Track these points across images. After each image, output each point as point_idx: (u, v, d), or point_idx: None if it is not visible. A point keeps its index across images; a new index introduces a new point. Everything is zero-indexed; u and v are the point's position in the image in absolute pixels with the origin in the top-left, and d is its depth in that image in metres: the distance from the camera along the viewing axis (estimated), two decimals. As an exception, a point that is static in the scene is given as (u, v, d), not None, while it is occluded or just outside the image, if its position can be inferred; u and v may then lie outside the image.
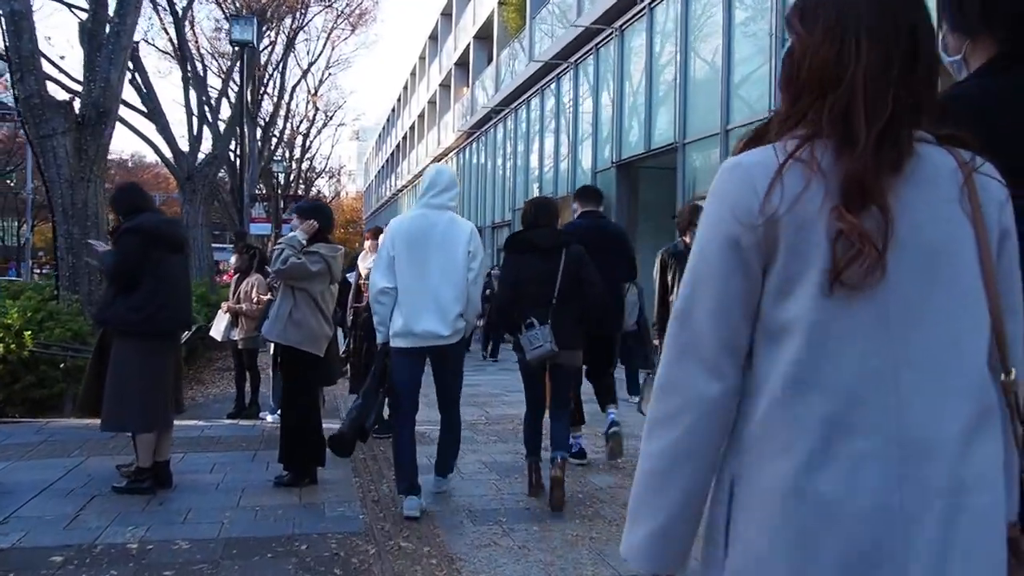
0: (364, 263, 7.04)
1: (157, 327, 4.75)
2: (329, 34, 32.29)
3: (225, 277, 37.00)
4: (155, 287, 4.71)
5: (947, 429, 1.09)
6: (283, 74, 29.36)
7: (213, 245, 23.52)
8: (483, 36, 27.73)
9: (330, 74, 46.12)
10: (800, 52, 1.19)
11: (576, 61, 17.55)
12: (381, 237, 6.78)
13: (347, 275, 7.14)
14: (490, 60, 26.23)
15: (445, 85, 34.47)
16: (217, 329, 7.74)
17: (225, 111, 22.41)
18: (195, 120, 19.04)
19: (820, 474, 1.09)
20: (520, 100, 21.88)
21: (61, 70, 15.62)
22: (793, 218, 1.11)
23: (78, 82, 11.10)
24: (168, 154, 18.26)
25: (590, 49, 16.72)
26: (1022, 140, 1.34)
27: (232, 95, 25.72)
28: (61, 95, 9.63)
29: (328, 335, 5.07)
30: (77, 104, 9.15)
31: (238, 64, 19.99)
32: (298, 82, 33.55)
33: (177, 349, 5.10)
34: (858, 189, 1.09)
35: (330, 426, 7.14)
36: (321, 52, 43.56)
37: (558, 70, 18.66)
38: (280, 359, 5.16)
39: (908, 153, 1.12)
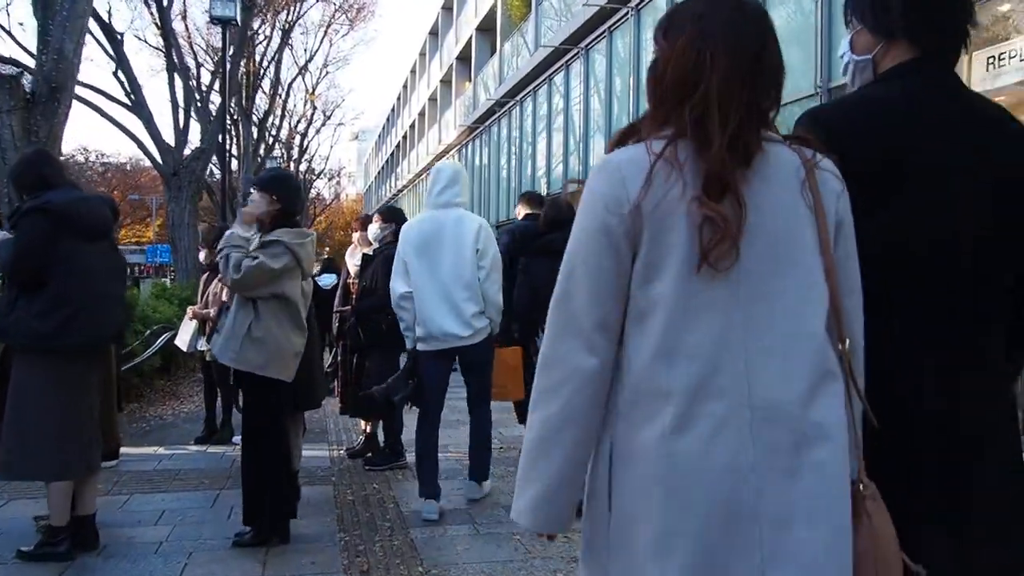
0: (352, 259, 5.86)
1: (69, 340, 3.54)
2: (326, 29, 31.24)
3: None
4: (66, 287, 3.52)
5: (791, 391, 1.23)
6: (278, 68, 28.22)
7: (205, 247, 22.25)
8: (486, 28, 26.58)
9: (328, 72, 44.94)
10: (663, 62, 1.33)
11: (587, 46, 16.36)
12: (372, 227, 5.61)
13: (319, 279, 6.00)
14: (493, 52, 25.08)
15: (446, 81, 33.33)
16: (182, 338, 6.54)
17: (216, 107, 21.32)
18: (181, 112, 17.80)
19: (683, 437, 1.22)
20: (526, 91, 20.67)
21: (31, 54, 14.38)
22: (656, 209, 1.24)
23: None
24: (154, 150, 17.14)
25: (602, 32, 15.54)
26: (938, 137, 1.44)
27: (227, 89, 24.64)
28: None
29: (299, 351, 3.86)
30: (27, 81, 7.99)
31: (229, 54, 18.87)
32: (294, 78, 32.51)
33: (105, 368, 3.88)
34: (717, 182, 1.23)
35: (316, 454, 6.02)
36: (318, 48, 42.64)
37: (567, 56, 17.45)
38: (239, 385, 3.97)
39: (757, 150, 1.27)
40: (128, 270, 5.68)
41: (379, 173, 56.45)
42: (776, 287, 1.24)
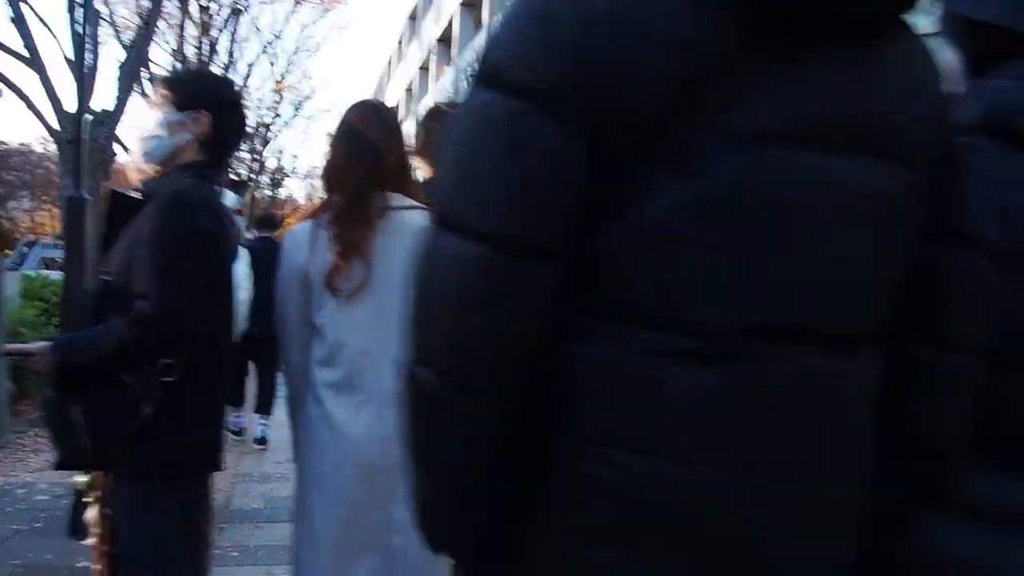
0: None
1: None
2: (294, 6, 27.85)
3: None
4: None
5: None
6: (233, 39, 24.76)
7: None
8: (470, 3, 23.43)
9: (298, 55, 41.77)
10: (330, 159, 2.02)
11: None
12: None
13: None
14: (479, 28, 21.87)
15: (425, 68, 30.15)
16: None
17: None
18: (86, 65, 14.18)
19: (339, 414, 1.90)
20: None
21: None
22: (317, 264, 1.89)
23: None
24: (51, 115, 13.67)
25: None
26: None
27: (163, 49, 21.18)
28: None
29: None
30: None
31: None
32: (257, 57, 29.16)
33: None
34: (352, 245, 1.88)
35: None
36: (284, 28, 39.60)
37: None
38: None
39: (386, 216, 1.93)
40: None
41: (351, 173, 53.24)
42: (397, 313, 1.77)
